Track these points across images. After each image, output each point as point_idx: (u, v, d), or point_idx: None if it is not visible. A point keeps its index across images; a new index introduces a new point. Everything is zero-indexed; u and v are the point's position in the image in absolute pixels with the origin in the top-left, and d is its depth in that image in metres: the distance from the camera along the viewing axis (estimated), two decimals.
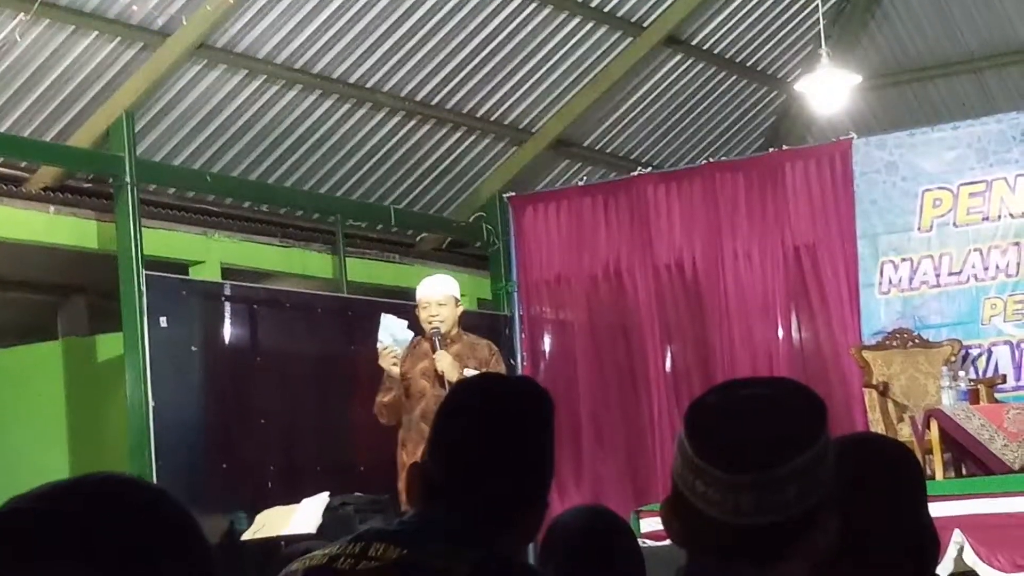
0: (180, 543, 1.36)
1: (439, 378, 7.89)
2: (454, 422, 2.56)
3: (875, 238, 10.87)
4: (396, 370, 8.08)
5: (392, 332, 8.19)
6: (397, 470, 8.10)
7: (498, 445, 2.51)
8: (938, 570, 2.61)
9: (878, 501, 2.42)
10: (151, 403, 9.36)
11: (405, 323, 8.27)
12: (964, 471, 9.29)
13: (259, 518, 9.44)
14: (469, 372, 7.77)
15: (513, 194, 12.32)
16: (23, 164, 9.88)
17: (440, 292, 8.14)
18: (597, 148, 13.32)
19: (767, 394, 2.01)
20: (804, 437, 1.95)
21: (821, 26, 11.87)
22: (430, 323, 8.04)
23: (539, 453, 2.55)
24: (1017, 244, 10.51)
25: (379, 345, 8.17)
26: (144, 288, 9.48)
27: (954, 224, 10.69)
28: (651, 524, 8.49)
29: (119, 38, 9.46)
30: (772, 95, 14.34)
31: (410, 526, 2.47)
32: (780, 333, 11.19)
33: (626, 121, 13.25)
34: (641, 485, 11.43)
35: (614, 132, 13.29)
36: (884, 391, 9.79)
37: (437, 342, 7.96)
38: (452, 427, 2.55)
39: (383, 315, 8.40)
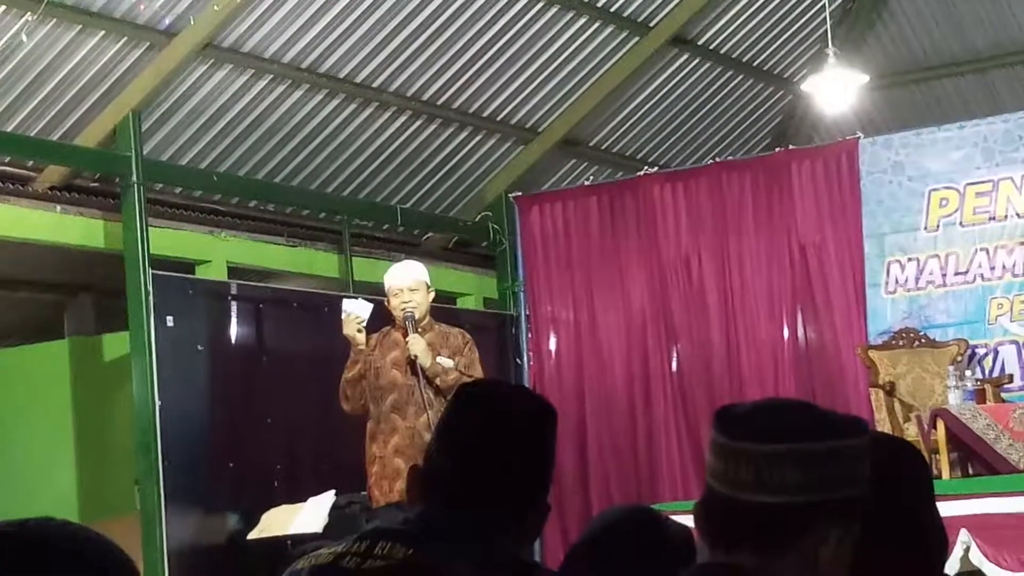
0: None
1: (411, 363, 7.58)
2: (467, 422, 2.60)
3: (881, 238, 10.87)
4: (361, 336, 7.73)
5: (354, 305, 7.81)
6: (366, 465, 7.80)
7: (509, 446, 2.56)
8: (944, 569, 2.62)
9: (885, 499, 2.43)
10: (158, 402, 9.37)
11: (364, 300, 7.93)
12: (970, 471, 9.29)
13: (265, 517, 9.45)
14: (443, 360, 7.62)
15: (519, 194, 12.33)
16: (30, 163, 9.89)
17: (410, 278, 7.79)
18: (603, 148, 13.32)
19: (818, 407, 2.08)
20: (817, 430, 1.99)
21: (828, 26, 11.86)
22: (402, 309, 7.68)
23: (544, 456, 2.61)
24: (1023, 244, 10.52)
25: (342, 315, 7.80)
26: (151, 287, 9.49)
27: (960, 224, 10.68)
28: None
29: (126, 37, 9.47)
30: (778, 95, 14.34)
31: (415, 525, 2.50)
32: (786, 333, 11.19)
33: (632, 121, 13.25)
34: (646, 485, 11.43)
35: (620, 132, 13.29)
36: (890, 391, 9.79)
37: (410, 327, 7.61)
38: (465, 427, 2.59)
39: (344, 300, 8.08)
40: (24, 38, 8.88)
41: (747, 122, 14.34)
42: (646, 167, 12.42)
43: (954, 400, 9.36)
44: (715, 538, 2.03)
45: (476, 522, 2.48)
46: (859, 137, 11.16)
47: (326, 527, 9.04)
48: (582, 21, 11.73)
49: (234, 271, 10.87)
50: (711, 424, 2.06)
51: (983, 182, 10.64)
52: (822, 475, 1.97)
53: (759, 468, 1.97)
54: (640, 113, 13.21)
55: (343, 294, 11.11)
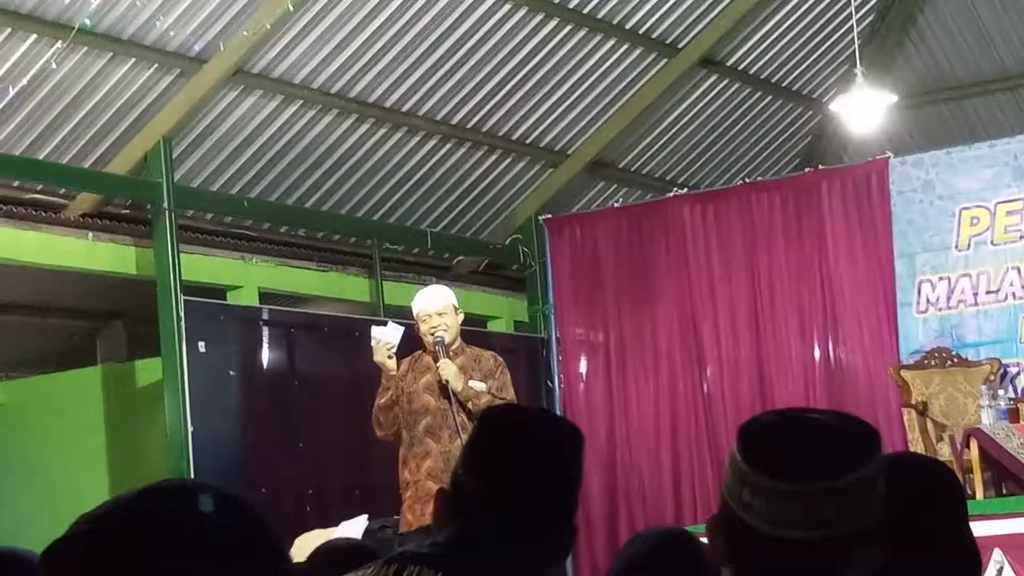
0: (240, 550, 1.38)
1: (443, 387, 7.57)
2: (493, 444, 2.59)
3: (912, 257, 10.84)
4: (392, 363, 7.71)
5: (384, 331, 7.81)
6: (400, 490, 7.80)
7: (536, 467, 2.56)
8: None
9: (919, 520, 2.42)
10: (190, 428, 9.39)
11: (394, 324, 7.93)
12: (1004, 490, 9.25)
13: (298, 541, 9.42)
14: (475, 383, 7.63)
15: (549, 216, 12.34)
16: (62, 191, 9.93)
17: (438, 302, 7.78)
18: (632, 170, 13.32)
19: (823, 418, 2.05)
20: (856, 458, 1.97)
21: (856, 45, 11.84)
22: (432, 334, 7.68)
23: (571, 477, 2.60)
24: None
25: (372, 342, 7.77)
26: (182, 313, 9.52)
27: (991, 242, 10.65)
28: None
29: (156, 65, 9.52)
30: (807, 115, 14.31)
31: (443, 548, 2.50)
32: (817, 353, 11.16)
33: (661, 142, 13.25)
34: (677, 506, 11.41)
35: (649, 153, 13.29)
36: (923, 411, 9.76)
37: (440, 351, 7.61)
38: (491, 449, 2.58)
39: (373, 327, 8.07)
40: (55, 66, 8.93)
41: (776, 142, 14.32)
42: (675, 188, 12.42)
43: (987, 419, 9.32)
44: (743, 569, 2.01)
45: (504, 543, 2.47)
46: (889, 156, 11.15)
47: None
48: (610, 43, 11.74)
49: (265, 296, 10.90)
50: (739, 455, 2.01)
51: (1014, 200, 10.61)
52: (859, 504, 1.96)
53: (808, 506, 1.93)
54: (669, 135, 13.21)
55: (374, 318, 11.13)
